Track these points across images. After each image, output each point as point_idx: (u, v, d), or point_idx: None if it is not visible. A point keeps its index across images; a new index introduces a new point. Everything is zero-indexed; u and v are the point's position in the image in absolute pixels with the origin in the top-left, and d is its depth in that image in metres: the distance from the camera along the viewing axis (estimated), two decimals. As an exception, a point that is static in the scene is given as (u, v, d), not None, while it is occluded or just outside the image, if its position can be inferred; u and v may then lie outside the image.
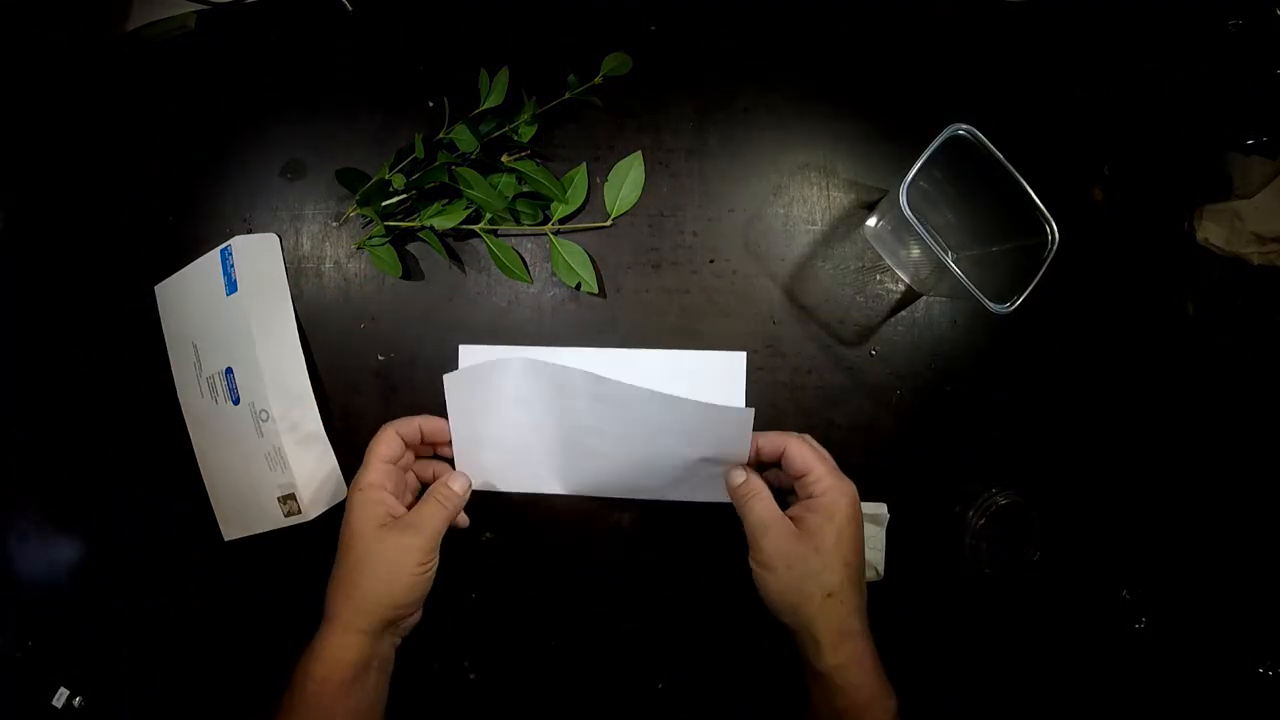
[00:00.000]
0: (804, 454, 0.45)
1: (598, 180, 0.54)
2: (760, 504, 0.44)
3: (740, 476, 0.46)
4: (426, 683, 0.54)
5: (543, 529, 0.54)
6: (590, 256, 0.53)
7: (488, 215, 0.53)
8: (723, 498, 0.48)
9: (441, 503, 0.46)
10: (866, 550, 0.53)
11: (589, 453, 0.51)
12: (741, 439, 0.46)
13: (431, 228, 0.52)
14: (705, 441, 0.47)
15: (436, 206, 0.53)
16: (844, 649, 0.41)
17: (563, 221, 0.54)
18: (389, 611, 0.43)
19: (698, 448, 0.48)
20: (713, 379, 0.54)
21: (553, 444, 0.51)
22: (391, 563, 0.43)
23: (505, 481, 0.53)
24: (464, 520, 0.50)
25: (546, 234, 0.54)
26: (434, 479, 0.49)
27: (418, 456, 0.51)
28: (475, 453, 0.51)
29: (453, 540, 0.50)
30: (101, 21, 0.57)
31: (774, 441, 0.46)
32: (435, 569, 0.45)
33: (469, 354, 0.54)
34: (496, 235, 0.54)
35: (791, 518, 0.44)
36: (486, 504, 0.53)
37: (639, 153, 0.54)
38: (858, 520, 0.44)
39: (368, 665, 0.43)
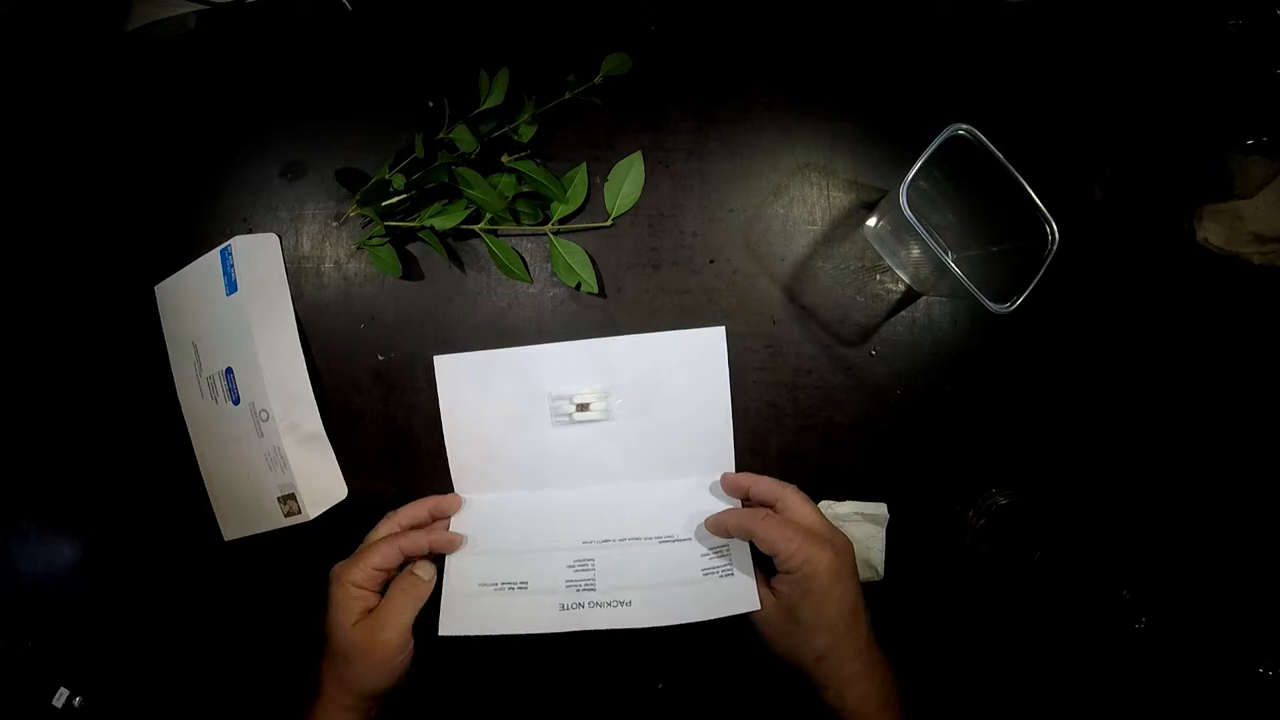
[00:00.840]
0: (769, 537, 0.45)
1: (598, 180, 0.54)
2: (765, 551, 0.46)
3: (719, 528, 0.48)
4: (427, 683, 0.54)
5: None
6: (590, 256, 0.53)
7: (488, 215, 0.53)
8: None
9: (408, 592, 0.47)
10: (867, 550, 0.53)
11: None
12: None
13: (432, 228, 0.52)
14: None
15: (436, 207, 0.53)
16: (849, 694, 0.43)
17: (563, 221, 0.54)
18: (371, 693, 0.46)
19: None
20: (692, 357, 0.53)
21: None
22: (369, 656, 0.45)
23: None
24: (456, 542, 0.50)
25: (546, 234, 0.54)
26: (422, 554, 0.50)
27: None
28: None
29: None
30: (101, 22, 0.57)
31: (738, 485, 0.50)
32: (412, 649, 0.47)
33: (445, 364, 0.54)
34: (497, 235, 0.54)
35: (772, 587, 0.46)
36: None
37: (639, 152, 0.54)
38: (842, 579, 0.44)
39: None
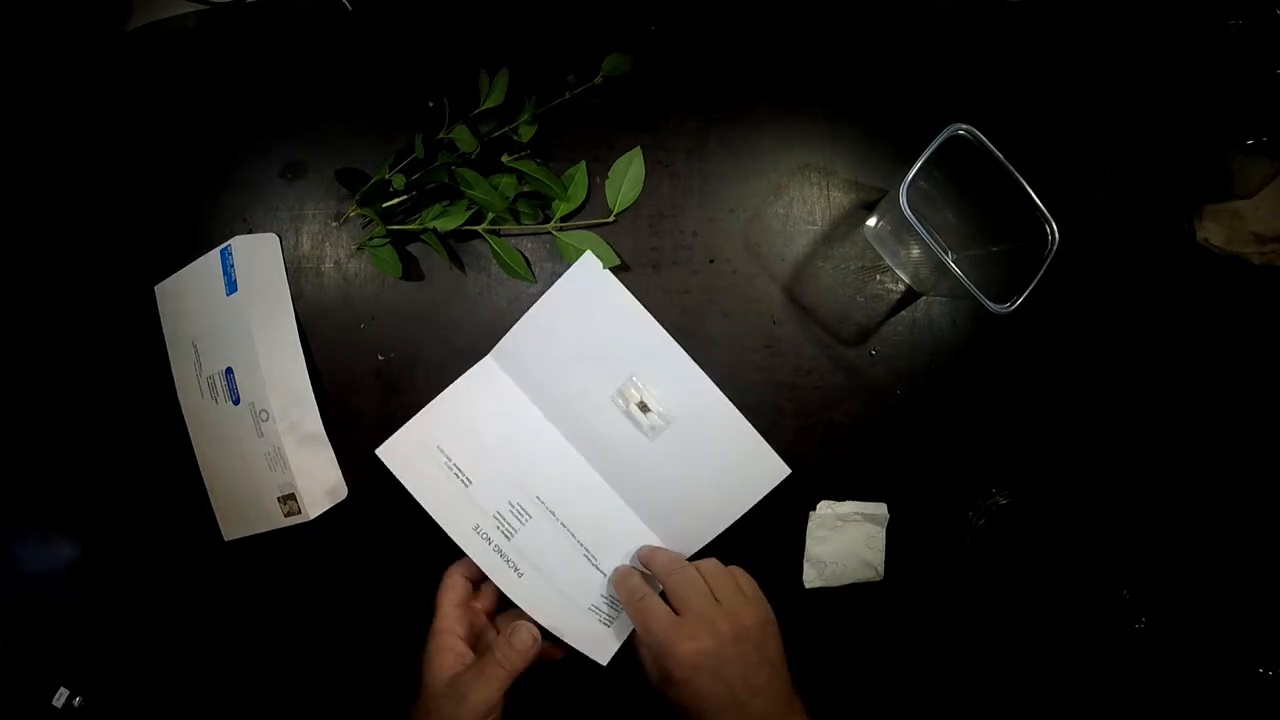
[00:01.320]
0: (633, 620, 0.47)
1: (598, 180, 0.54)
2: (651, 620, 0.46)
3: (627, 592, 0.48)
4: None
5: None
6: (602, 238, 0.53)
7: (490, 216, 0.53)
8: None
9: (502, 664, 0.45)
10: (867, 550, 0.53)
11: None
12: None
13: (434, 230, 0.52)
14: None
15: (438, 208, 0.53)
16: None
17: (565, 219, 0.54)
18: None
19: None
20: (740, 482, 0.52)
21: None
22: (451, 713, 0.43)
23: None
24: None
25: (550, 231, 0.54)
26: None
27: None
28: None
29: (453, 542, 0.50)
30: (101, 22, 0.57)
31: (645, 557, 0.50)
32: (501, 710, 0.45)
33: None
34: (499, 235, 0.54)
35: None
36: None
37: (638, 148, 0.54)
38: (703, 672, 0.43)
39: None
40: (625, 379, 0.51)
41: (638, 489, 0.53)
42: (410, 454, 0.50)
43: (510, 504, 0.51)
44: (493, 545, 0.50)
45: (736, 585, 0.46)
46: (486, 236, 0.53)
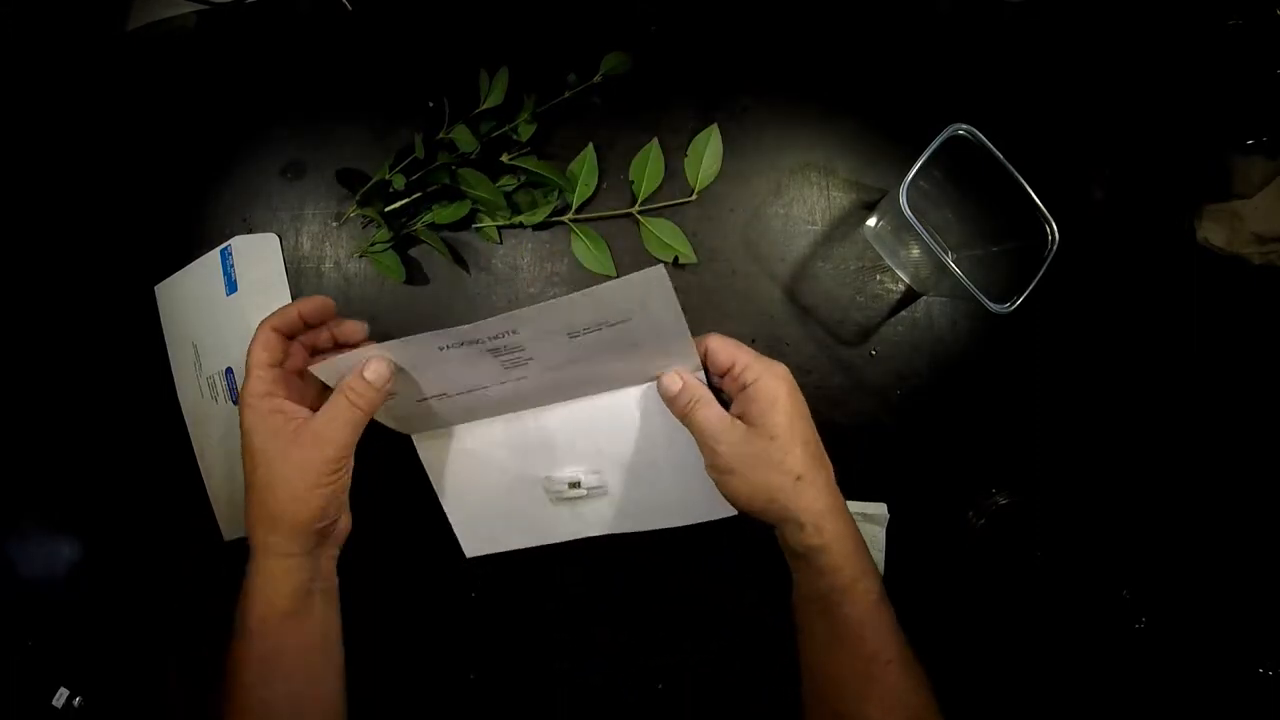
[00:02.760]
0: (724, 346, 0.42)
1: (620, 172, 0.54)
2: (704, 409, 0.42)
3: (676, 384, 0.42)
4: (427, 683, 0.54)
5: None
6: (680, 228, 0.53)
7: (494, 219, 0.53)
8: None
9: (353, 401, 0.39)
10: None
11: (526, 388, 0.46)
12: (668, 324, 0.40)
13: (432, 225, 0.52)
14: (636, 342, 0.42)
15: (444, 209, 0.53)
16: (826, 529, 0.40)
17: (579, 211, 0.54)
18: (309, 528, 0.39)
19: (630, 356, 0.43)
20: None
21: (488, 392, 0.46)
22: (299, 480, 0.38)
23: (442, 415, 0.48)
24: (359, 331, 0.44)
25: (565, 222, 0.54)
26: (335, 345, 0.44)
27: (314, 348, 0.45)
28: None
29: (452, 541, 0.50)
30: (101, 22, 0.57)
31: (696, 345, 0.43)
32: (350, 472, 0.40)
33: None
34: (581, 224, 0.54)
35: (737, 416, 0.42)
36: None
37: (715, 125, 0.53)
38: (799, 397, 0.42)
39: (308, 591, 0.40)
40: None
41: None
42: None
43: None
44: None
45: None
46: (574, 228, 0.53)
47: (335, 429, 0.39)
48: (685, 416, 0.43)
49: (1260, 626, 0.53)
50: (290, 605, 0.39)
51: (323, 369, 0.41)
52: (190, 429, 0.55)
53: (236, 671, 0.39)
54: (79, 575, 0.55)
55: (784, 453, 0.40)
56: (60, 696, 0.53)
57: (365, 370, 0.40)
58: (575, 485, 0.50)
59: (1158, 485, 0.54)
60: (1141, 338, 0.55)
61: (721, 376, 0.43)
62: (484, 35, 0.56)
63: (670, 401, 0.43)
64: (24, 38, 0.56)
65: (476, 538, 0.53)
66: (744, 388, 0.41)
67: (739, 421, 0.41)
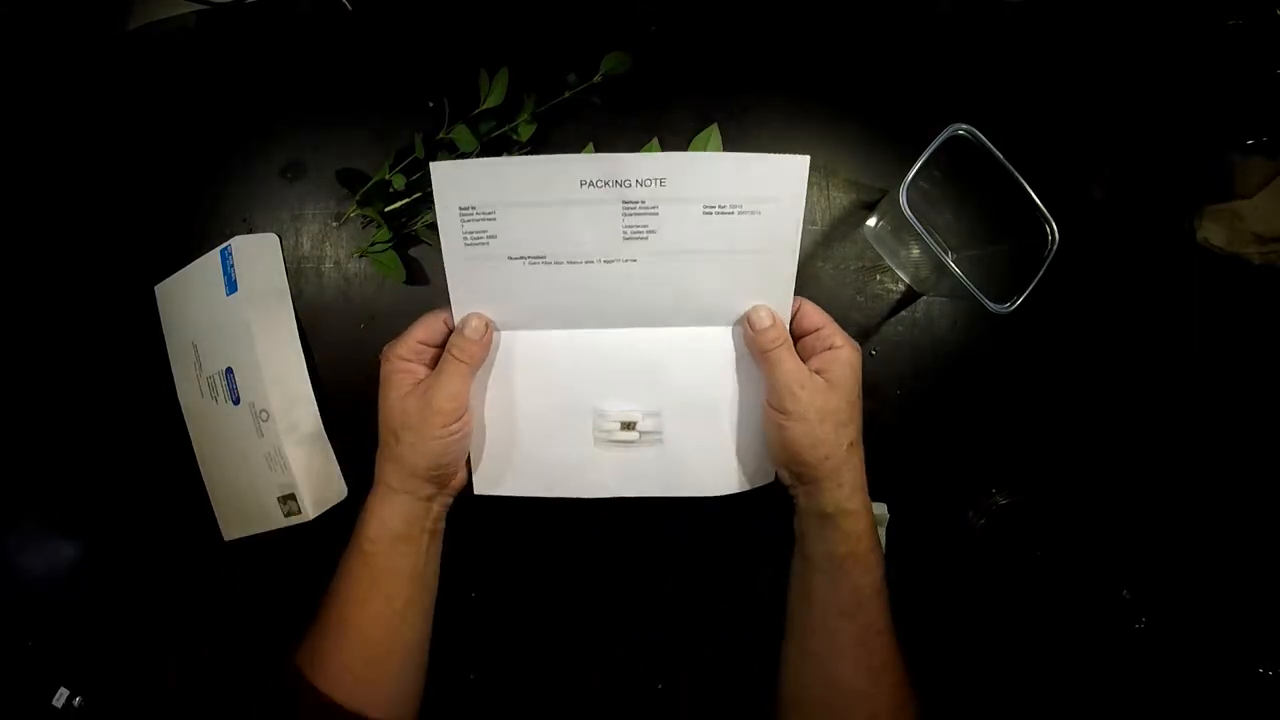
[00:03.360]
0: (817, 309, 0.45)
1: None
2: (790, 352, 0.43)
3: (768, 318, 0.44)
4: (427, 682, 0.54)
5: (542, 530, 0.54)
6: None
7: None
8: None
9: (459, 357, 0.43)
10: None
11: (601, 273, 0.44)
12: (788, 235, 0.42)
13: (432, 225, 0.52)
14: (752, 248, 0.43)
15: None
16: (858, 496, 0.43)
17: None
18: (429, 474, 0.43)
19: (736, 270, 0.43)
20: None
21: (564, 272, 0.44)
22: (421, 428, 0.43)
23: (512, 321, 0.46)
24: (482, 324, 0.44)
25: None
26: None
27: None
28: (475, 296, 0.45)
29: (453, 541, 0.50)
30: (102, 21, 0.57)
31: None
32: (468, 422, 0.44)
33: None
34: None
35: (813, 368, 0.43)
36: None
37: (714, 125, 0.53)
38: (861, 377, 0.44)
39: (419, 526, 0.44)
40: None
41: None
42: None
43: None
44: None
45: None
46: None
47: (444, 383, 0.43)
48: (766, 354, 0.43)
49: (1260, 626, 0.53)
50: (403, 530, 0.44)
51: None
52: (190, 429, 0.55)
53: (339, 586, 0.44)
54: (79, 575, 0.55)
55: (849, 418, 0.43)
56: (60, 696, 0.53)
57: (465, 328, 0.44)
58: (629, 426, 0.46)
59: (1157, 485, 0.54)
60: (1141, 338, 0.55)
61: (802, 336, 0.45)
62: (484, 35, 0.56)
63: (758, 334, 0.44)
64: (24, 38, 0.56)
65: (492, 471, 0.47)
66: (829, 349, 0.44)
67: (818, 375, 0.43)
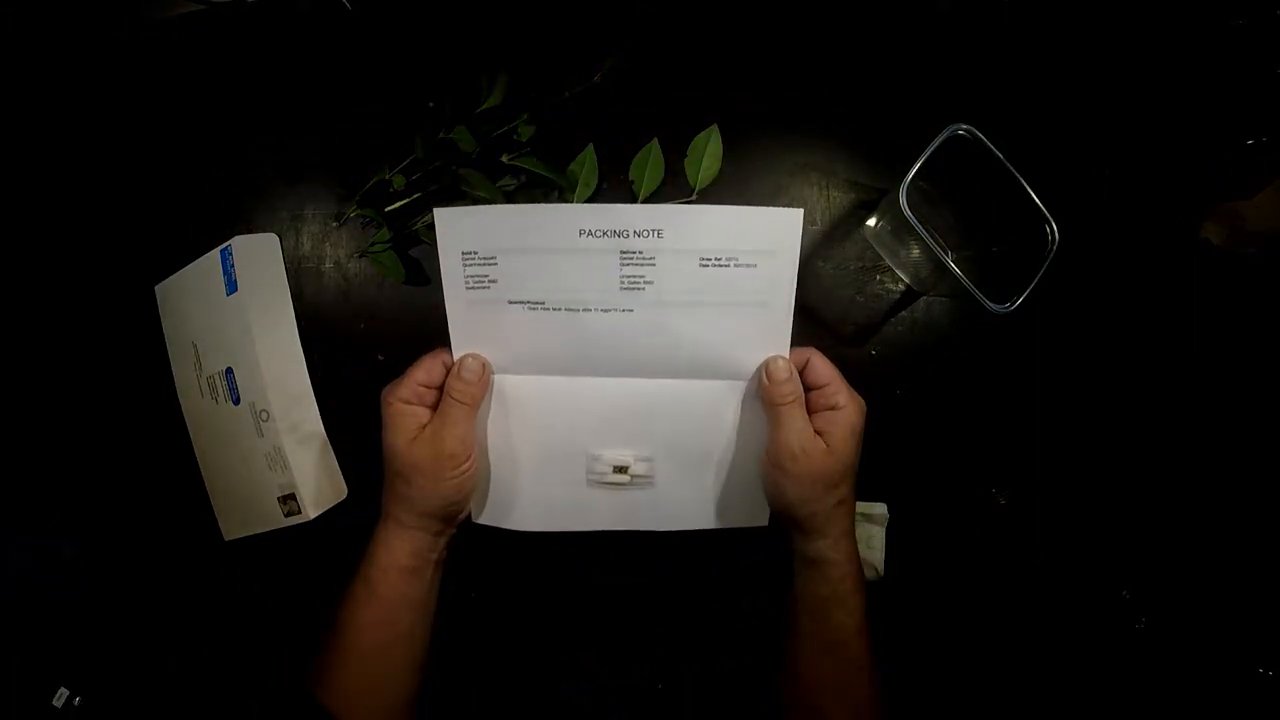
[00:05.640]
0: (826, 364, 0.45)
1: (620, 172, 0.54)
2: (801, 411, 0.44)
3: (784, 373, 0.44)
4: (427, 682, 0.54)
5: (543, 531, 0.54)
6: None
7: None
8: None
9: (459, 400, 0.44)
10: (867, 550, 0.53)
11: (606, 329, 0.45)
12: (782, 286, 0.43)
13: (432, 225, 0.52)
14: (748, 302, 0.43)
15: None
16: (841, 546, 0.44)
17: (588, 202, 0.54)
18: (441, 513, 0.44)
19: (735, 321, 0.44)
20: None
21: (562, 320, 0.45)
22: (435, 475, 0.43)
23: (510, 365, 0.46)
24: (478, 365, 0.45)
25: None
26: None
27: None
28: (474, 338, 0.45)
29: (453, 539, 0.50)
30: (102, 21, 0.57)
31: (799, 355, 0.45)
32: (474, 460, 0.44)
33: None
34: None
35: (817, 431, 0.44)
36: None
37: (714, 125, 0.54)
38: (863, 430, 0.45)
39: (426, 559, 0.45)
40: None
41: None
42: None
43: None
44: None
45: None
46: None
47: (450, 427, 0.43)
48: (778, 409, 0.44)
49: (1260, 626, 0.53)
50: (410, 563, 0.44)
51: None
52: (190, 429, 0.55)
53: (347, 614, 0.44)
54: (79, 575, 0.55)
55: (842, 478, 0.44)
56: (60, 696, 0.53)
57: (462, 370, 0.44)
58: (622, 470, 0.47)
59: (1157, 485, 0.54)
60: (1142, 338, 0.55)
61: (808, 390, 0.45)
62: (484, 35, 0.56)
63: (774, 386, 0.44)
64: (25, 37, 0.56)
65: (491, 504, 0.48)
66: (831, 408, 0.44)
67: (819, 438, 0.44)
